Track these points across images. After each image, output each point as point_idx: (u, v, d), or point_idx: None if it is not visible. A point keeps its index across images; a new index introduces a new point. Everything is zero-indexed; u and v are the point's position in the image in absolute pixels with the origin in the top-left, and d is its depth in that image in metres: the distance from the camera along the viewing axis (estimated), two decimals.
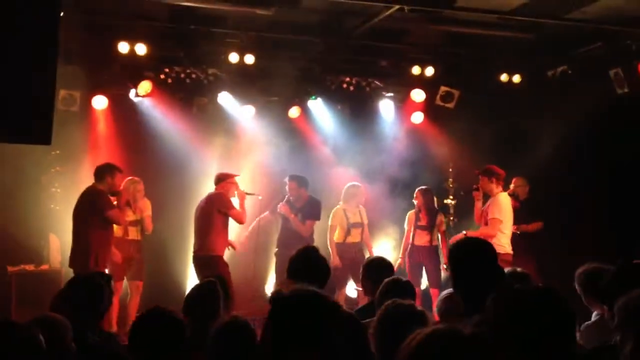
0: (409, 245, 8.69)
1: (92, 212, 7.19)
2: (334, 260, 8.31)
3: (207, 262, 7.50)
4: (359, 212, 8.80)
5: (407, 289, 4.15)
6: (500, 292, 2.59)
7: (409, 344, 1.90)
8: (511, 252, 7.66)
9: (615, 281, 3.26)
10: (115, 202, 7.39)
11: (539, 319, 2.36)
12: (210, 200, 7.73)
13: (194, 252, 7.73)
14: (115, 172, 7.42)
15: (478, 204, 8.04)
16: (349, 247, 8.65)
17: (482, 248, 3.21)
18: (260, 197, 8.48)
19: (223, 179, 7.85)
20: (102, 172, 7.37)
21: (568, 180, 8.74)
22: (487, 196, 8.00)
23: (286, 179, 8.67)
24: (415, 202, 8.73)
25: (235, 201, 7.85)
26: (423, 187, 8.85)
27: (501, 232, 7.64)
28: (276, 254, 8.60)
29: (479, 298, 3.04)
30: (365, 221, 8.84)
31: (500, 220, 7.63)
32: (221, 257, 7.63)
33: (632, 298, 2.61)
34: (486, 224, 7.77)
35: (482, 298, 2.85)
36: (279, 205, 8.67)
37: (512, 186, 8.68)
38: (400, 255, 8.82)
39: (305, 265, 3.90)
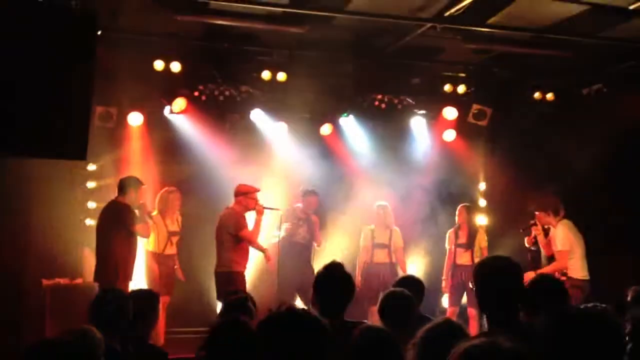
0: (452, 265, 8.69)
1: (117, 226, 7.23)
2: (357, 279, 8.30)
3: (225, 278, 7.49)
4: (390, 233, 8.77)
5: (404, 300, 4.20)
6: (553, 312, 2.57)
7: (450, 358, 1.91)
8: (583, 277, 7.48)
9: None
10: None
11: (589, 340, 2.35)
12: (221, 220, 7.73)
13: (214, 268, 7.78)
14: (139, 186, 7.49)
15: (540, 238, 7.94)
16: (376, 267, 8.68)
17: (506, 267, 3.20)
18: (281, 212, 8.34)
19: (242, 193, 7.79)
20: (126, 185, 7.42)
21: (603, 198, 8.61)
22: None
23: (309, 194, 8.75)
24: (457, 218, 8.72)
25: (252, 216, 7.83)
26: (466, 203, 8.86)
27: (572, 261, 7.54)
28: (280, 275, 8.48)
29: (504, 317, 3.03)
30: (399, 244, 8.82)
31: (565, 251, 7.50)
32: (239, 273, 7.59)
33: None
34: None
35: (507, 317, 2.83)
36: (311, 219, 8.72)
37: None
38: (443, 277, 8.80)
39: (331, 280, 3.93)
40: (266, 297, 8.16)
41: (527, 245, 8.11)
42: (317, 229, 8.85)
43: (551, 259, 7.84)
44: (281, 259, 8.49)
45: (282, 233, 8.63)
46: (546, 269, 7.59)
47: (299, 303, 8.30)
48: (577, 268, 7.50)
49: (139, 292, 4.90)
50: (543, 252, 8.11)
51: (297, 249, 8.67)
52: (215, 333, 3.31)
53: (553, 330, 2.43)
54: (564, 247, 7.50)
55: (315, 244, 8.83)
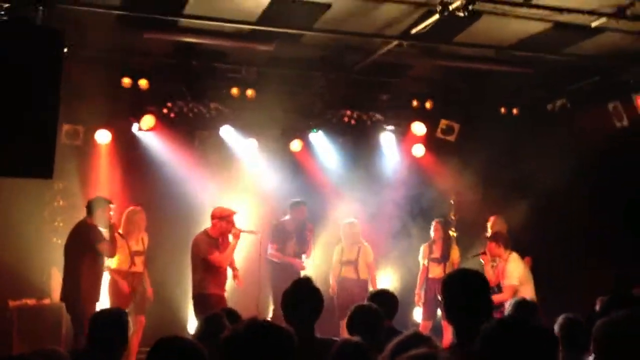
0: (425, 278, 8.78)
1: (83, 246, 7.17)
2: (332, 288, 8.71)
3: (200, 300, 7.36)
4: (358, 249, 8.80)
5: (371, 314, 4.24)
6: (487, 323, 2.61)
7: None
8: None
9: (603, 312, 3.28)
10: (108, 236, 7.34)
11: (515, 350, 2.38)
12: (193, 244, 7.53)
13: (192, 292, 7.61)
14: (106, 205, 7.41)
15: (487, 268, 7.89)
16: (345, 282, 8.71)
17: (472, 280, 3.24)
18: (259, 236, 8.05)
19: (219, 217, 7.56)
20: (94, 206, 7.36)
21: (567, 212, 8.74)
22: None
23: (297, 204, 8.73)
24: (432, 234, 8.78)
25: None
26: (440, 218, 8.97)
27: (521, 294, 7.54)
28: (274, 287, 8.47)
29: (470, 329, 3.07)
30: (369, 259, 8.82)
31: (514, 285, 7.49)
32: (213, 295, 7.34)
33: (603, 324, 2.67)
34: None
35: (474, 329, 2.86)
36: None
37: (489, 224, 8.64)
38: (417, 290, 8.85)
39: (299, 295, 3.93)
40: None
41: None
42: (311, 238, 8.86)
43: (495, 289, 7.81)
44: (272, 278, 8.48)
45: (270, 251, 8.59)
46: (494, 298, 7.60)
47: None
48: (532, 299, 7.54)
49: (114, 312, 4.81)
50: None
51: (286, 262, 8.61)
52: (151, 352, 3.07)
53: (485, 338, 2.47)
54: (513, 282, 7.49)
55: (304, 255, 8.77)
